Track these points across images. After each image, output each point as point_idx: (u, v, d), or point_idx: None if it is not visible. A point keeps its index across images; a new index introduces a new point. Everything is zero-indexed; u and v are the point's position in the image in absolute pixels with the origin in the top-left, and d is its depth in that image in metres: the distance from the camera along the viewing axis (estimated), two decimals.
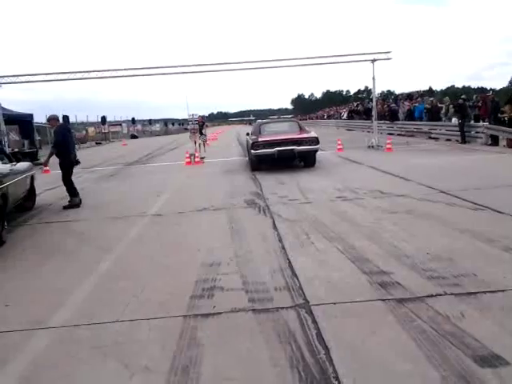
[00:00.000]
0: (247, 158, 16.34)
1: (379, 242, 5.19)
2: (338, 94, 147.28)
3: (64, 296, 4.23)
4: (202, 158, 16.56)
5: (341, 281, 4.10)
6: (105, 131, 40.61)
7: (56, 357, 3.13)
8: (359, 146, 18.12)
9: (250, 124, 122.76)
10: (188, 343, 3.16)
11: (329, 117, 53.49)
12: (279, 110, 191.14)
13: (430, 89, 52.11)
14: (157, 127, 64.36)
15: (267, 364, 2.83)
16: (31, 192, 8.83)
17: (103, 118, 40.06)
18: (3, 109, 17.74)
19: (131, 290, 4.23)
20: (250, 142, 12.87)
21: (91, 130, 38.83)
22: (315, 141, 12.62)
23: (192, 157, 16.22)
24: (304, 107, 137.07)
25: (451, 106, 18.34)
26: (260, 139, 12.61)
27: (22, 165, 8.35)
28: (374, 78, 17.01)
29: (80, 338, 3.37)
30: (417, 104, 22.94)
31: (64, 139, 9.01)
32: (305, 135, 13.09)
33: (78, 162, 9.44)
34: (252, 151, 12.50)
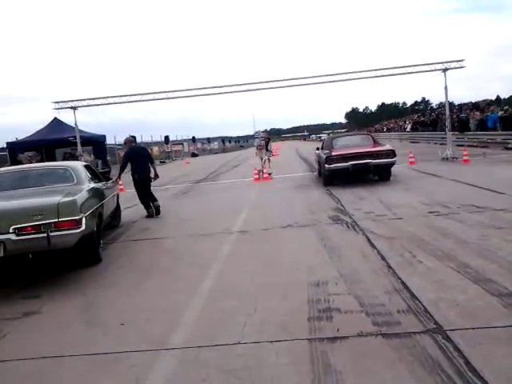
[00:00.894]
0: (315, 173, 16.23)
1: (496, 260, 4.82)
2: (394, 106, 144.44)
3: (176, 315, 4.19)
4: (270, 174, 16.53)
5: (469, 303, 3.80)
6: (168, 150, 41.81)
7: (188, 380, 3.05)
8: (431, 158, 17.45)
9: (305, 139, 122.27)
10: (324, 370, 2.99)
11: (389, 130, 52.44)
12: (333, 124, 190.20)
13: (498, 98, 49.84)
14: (215, 145, 65.56)
15: None
16: (117, 210, 9.08)
17: (166, 138, 41.22)
18: (79, 131, 18.63)
19: (243, 310, 4.13)
20: (323, 156, 12.69)
21: (155, 149, 40.10)
22: (391, 154, 12.24)
23: (260, 173, 16.23)
24: (358, 121, 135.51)
25: None
26: (334, 153, 12.38)
27: (110, 183, 8.59)
28: (446, 88, 16.45)
29: (207, 360, 3.29)
30: (489, 113, 21.85)
31: (126, 160, 10.09)
32: (380, 148, 12.78)
33: (148, 178, 10.02)
34: (326, 165, 12.28)
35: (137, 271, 5.81)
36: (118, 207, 9.13)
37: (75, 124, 17.24)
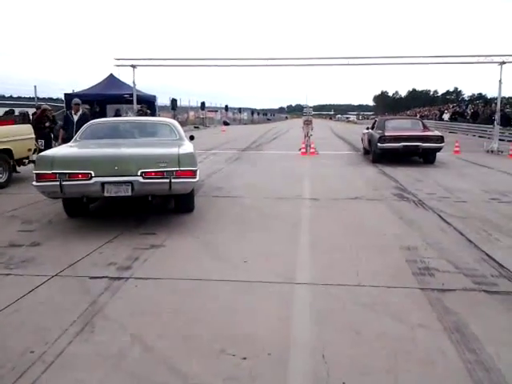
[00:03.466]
0: (360, 153, 16.80)
1: None
2: (425, 93, 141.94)
3: (290, 259, 4.85)
4: (315, 149, 17.02)
5: None
6: (202, 116, 42.43)
7: (328, 306, 3.71)
8: (474, 149, 17.83)
9: (331, 119, 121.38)
10: (443, 310, 3.62)
11: (421, 117, 52.02)
12: (360, 106, 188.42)
13: None
14: (245, 116, 65.95)
15: None
16: None
17: (203, 104, 41.79)
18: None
19: (350, 261, 4.77)
20: (376, 135, 13.37)
21: (191, 114, 40.74)
22: (440, 139, 13.27)
23: (308, 147, 16.75)
24: (386, 105, 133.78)
25: None
26: (387, 134, 13.19)
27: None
28: (500, 81, 16.66)
29: (338, 294, 3.94)
30: None
31: None
32: (430, 133, 13.78)
33: None
34: (378, 144, 13.09)
35: (234, 223, 6.44)
36: None
37: (133, 82, 17.84)
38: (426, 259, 4.87)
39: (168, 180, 5.65)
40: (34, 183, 5.68)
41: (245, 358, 2.93)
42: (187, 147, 6.40)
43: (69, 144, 6.72)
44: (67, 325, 3.34)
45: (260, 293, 3.99)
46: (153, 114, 22.30)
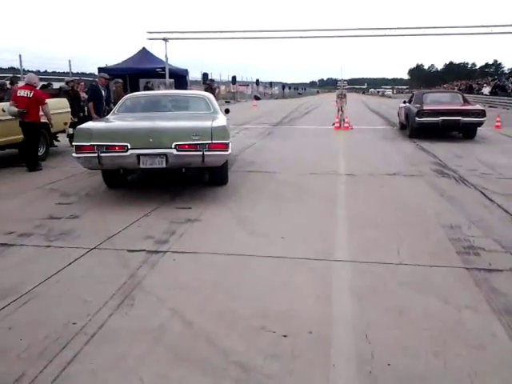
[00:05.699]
0: (395, 128, 16.35)
1: None
2: (462, 66, 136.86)
3: (329, 236, 4.75)
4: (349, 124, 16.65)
5: None
6: (233, 91, 42.13)
7: (370, 282, 3.60)
8: None
9: (364, 93, 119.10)
10: (491, 291, 3.46)
11: (460, 91, 50.26)
12: (394, 79, 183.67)
13: None
14: (276, 90, 65.21)
15: None
16: None
17: (234, 78, 41.38)
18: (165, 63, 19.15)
19: (390, 239, 4.63)
20: (414, 109, 12.91)
21: (222, 88, 40.49)
22: (482, 113, 12.68)
23: (342, 122, 16.39)
24: (422, 79, 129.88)
25: None
26: (425, 107, 12.72)
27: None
28: None
29: (379, 273, 3.82)
30: None
31: None
32: (471, 107, 13.20)
33: None
34: (416, 118, 12.65)
35: (269, 198, 6.34)
36: None
37: (165, 56, 17.79)
38: (470, 237, 4.68)
39: (201, 153, 5.62)
40: (74, 154, 5.80)
41: (285, 336, 2.87)
42: (220, 120, 6.32)
43: (106, 117, 6.75)
44: (107, 297, 3.36)
45: (298, 269, 3.92)
46: (183, 88, 22.35)
